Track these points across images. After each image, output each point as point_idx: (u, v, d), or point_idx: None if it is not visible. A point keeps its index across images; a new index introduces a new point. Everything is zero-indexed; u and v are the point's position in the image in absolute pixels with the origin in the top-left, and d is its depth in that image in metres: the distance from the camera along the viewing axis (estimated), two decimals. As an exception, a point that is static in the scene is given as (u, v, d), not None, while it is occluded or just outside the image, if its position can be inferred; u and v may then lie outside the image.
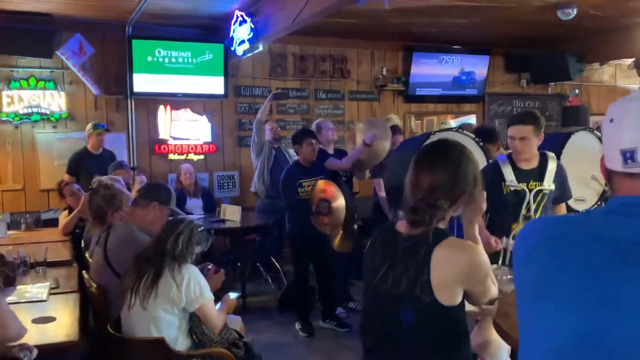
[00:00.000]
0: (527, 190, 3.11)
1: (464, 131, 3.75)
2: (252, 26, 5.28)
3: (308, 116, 7.24)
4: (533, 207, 3.10)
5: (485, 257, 1.61)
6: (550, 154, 3.24)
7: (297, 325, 4.67)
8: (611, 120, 1.09)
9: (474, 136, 3.71)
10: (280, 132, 6.21)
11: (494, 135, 4.20)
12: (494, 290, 1.67)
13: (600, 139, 4.31)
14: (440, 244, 1.57)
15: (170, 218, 2.93)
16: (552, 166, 3.15)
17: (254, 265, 5.80)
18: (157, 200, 2.96)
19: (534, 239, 1.13)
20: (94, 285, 2.84)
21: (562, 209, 3.34)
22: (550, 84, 8.64)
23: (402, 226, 1.67)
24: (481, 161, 3.75)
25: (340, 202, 4.38)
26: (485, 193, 1.73)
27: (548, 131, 8.70)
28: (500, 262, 3.05)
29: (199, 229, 2.67)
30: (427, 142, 3.69)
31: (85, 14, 5.72)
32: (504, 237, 3.10)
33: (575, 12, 5.48)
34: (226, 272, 5.83)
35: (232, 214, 5.45)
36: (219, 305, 2.81)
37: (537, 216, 3.13)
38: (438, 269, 1.54)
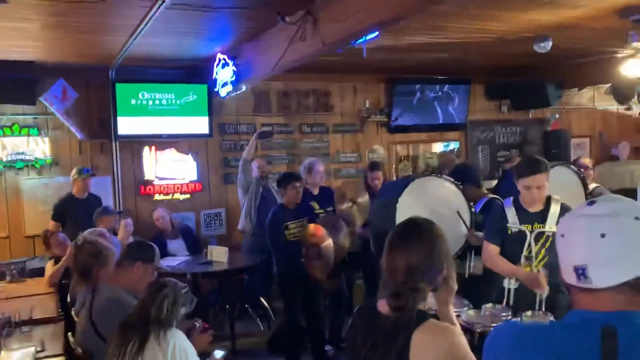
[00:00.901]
0: (527, 232, 3.16)
1: (443, 176, 3.83)
2: (235, 69, 5.35)
3: (293, 151, 7.29)
4: (535, 249, 3.13)
5: (463, 339, 1.63)
6: (555, 197, 3.28)
7: (288, 369, 4.66)
8: (562, 236, 1.14)
9: (453, 180, 3.78)
10: (268, 168, 6.25)
11: (474, 177, 4.26)
12: None
13: (576, 172, 4.39)
14: (419, 328, 1.59)
15: (154, 279, 2.95)
16: (555, 209, 3.18)
17: (242, 305, 5.78)
18: (140, 260, 2.97)
19: (496, 352, 1.18)
20: (80, 350, 2.83)
21: None
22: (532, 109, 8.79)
23: (382, 306, 1.70)
24: (461, 203, 3.82)
25: (328, 242, 4.42)
26: (454, 273, 1.76)
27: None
28: (505, 301, 3.11)
29: (183, 291, 2.68)
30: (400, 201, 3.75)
31: (68, 59, 5.75)
32: (506, 278, 3.16)
33: (550, 46, 5.61)
34: (215, 312, 5.86)
35: (219, 256, 5.45)
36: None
37: (539, 257, 3.15)
38: (417, 354, 1.56)
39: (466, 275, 3.73)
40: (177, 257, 5.78)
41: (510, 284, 3.14)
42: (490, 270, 3.39)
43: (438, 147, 8.69)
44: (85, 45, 5.19)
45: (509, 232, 3.25)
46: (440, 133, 8.38)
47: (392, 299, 1.64)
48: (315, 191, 5.43)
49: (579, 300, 1.11)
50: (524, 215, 3.22)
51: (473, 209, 3.78)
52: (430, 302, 1.74)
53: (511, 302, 3.09)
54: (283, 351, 4.83)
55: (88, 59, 5.78)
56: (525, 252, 3.15)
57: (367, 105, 7.70)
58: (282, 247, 4.63)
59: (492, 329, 2.56)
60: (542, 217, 3.19)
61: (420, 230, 1.72)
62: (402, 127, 7.92)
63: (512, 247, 3.24)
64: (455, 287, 1.76)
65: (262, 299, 5.84)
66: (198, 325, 2.94)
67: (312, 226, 4.52)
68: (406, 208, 3.50)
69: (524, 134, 8.91)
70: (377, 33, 3.76)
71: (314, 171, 5.28)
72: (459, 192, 3.76)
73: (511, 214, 3.24)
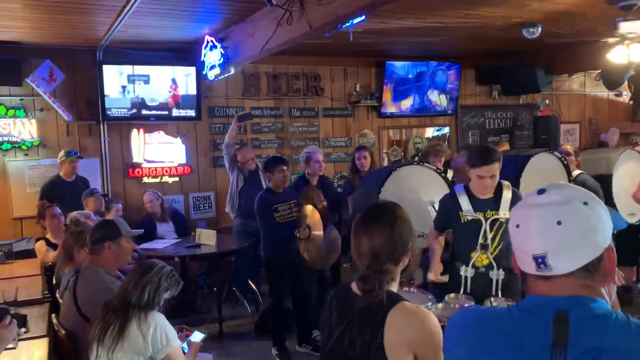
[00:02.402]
0: (483, 220, 3.15)
1: (425, 164, 3.83)
2: (223, 52, 5.31)
3: (283, 134, 7.28)
4: (490, 235, 3.14)
5: (438, 326, 1.64)
6: (506, 183, 3.28)
7: (274, 351, 4.70)
8: (517, 226, 1.14)
9: (435, 168, 3.78)
10: (251, 164, 5.89)
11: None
12: None
13: (560, 159, 4.42)
14: (395, 307, 1.61)
15: (137, 255, 2.98)
16: (507, 195, 3.19)
17: (231, 288, 5.81)
18: (107, 240, 2.96)
19: (457, 335, 1.20)
20: (63, 331, 2.84)
21: None
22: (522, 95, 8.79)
23: (357, 287, 1.73)
24: (444, 192, 3.83)
25: (319, 233, 4.42)
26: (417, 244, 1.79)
27: (517, 144, 8.71)
28: (462, 290, 3.14)
29: (169, 275, 2.68)
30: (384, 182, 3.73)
31: (55, 41, 5.69)
32: (464, 266, 3.19)
33: (539, 31, 5.60)
34: (203, 294, 5.87)
35: (207, 238, 5.45)
36: (186, 344, 2.83)
37: (494, 244, 3.17)
38: (391, 333, 1.59)
39: None
40: (165, 240, 5.79)
41: (466, 272, 3.18)
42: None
43: (431, 132, 8.73)
44: (71, 26, 5.13)
45: (462, 220, 3.23)
46: (430, 118, 8.38)
47: (360, 282, 1.68)
48: (314, 181, 5.38)
49: (535, 287, 1.13)
50: (476, 202, 3.21)
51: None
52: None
53: (468, 290, 3.13)
54: (270, 334, 4.87)
55: (75, 40, 5.72)
56: (481, 240, 3.15)
57: (357, 89, 7.67)
58: (274, 229, 4.62)
59: None
60: (494, 203, 3.18)
61: (382, 214, 1.75)
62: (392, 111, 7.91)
63: (467, 235, 3.24)
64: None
65: (250, 282, 5.86)
66: (182, 333, 2.93)
67: (310, 208, 4.48)
68: (388, 198, 3.50)
69: (514, 120, 8.93)
70: (363, 17, 3.74)
71: (312, 161, 5.26)
72: (441, 180, 3.76)
73: (464, 201, 3.22)
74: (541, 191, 1.14)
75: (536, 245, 1.09)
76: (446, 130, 8.58)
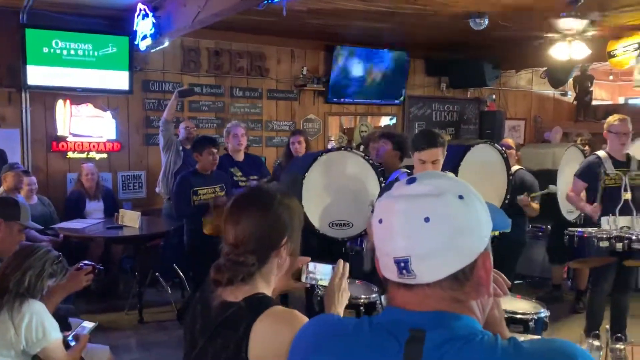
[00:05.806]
0: None
1: (353, 150, 3.67)
2: (154, 21, 4.98)
3: (223, 114, 6.97)
4: None
5: None
6: (450, 174, 3.17)
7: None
8: (380, 221, 0.93)
9: (363, 155, 3.62)
10: (195, 131, 5.92)
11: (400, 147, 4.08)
12: None
13: (500, 152, 4.33)
14: (263, 314, 1.38)
15: (24, 241, 2.69)
16: None
17: (156, 272, 5.52)
18: (1, 217, 2.67)
19: (301, 351, 1.02)
20: None
21: None
22: (470, 88, 8.76)
23: (225, 292, 1.49)
24: (371, 178, 3.67)
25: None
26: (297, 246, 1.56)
27: (462, 137, 8.67)
28: None
29: (54, 261, 2.41)
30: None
31: (-29, -3, 5.21)
32: None
33: (486, 23, 5.51)
34: (127, 278, 5.56)
35: (130, 220, 5.13)
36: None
37: None
38: (257, 345, 1.36)
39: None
40: (88, 220, 5.43)
41: None
42: None
43: (385, 121, 8.60)
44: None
45: None
46: (377, 107, 8.23)
47: (213, 271, 1.45)
48: (238, 157, 5.16)
49: (395, 297, 0.93)
50: None
51: (383, 184, 3.65)
52: None
53: None
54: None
55: (-5, -2, 5.26)
56: None
57: (304, 72, 7.43)
58: (190, 214, 4.36)
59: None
60: None
61: (254, 198, 1.52)
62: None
63: None
64: (294, 265, 1.56)
65: (176, 267, 5.57)
66: (82, 265, 2.68)
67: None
68: (313, 184, 3.32)
69: (461, 113, 8.90)
70: (298, -9, 3.50)
71: (231, 135, 5.00)
72: (369, 167, 3.60)
73: None
74: (411, 180, 0.93)
75: (399, 245, 0.88)
76: (393, 120, 8.48)
